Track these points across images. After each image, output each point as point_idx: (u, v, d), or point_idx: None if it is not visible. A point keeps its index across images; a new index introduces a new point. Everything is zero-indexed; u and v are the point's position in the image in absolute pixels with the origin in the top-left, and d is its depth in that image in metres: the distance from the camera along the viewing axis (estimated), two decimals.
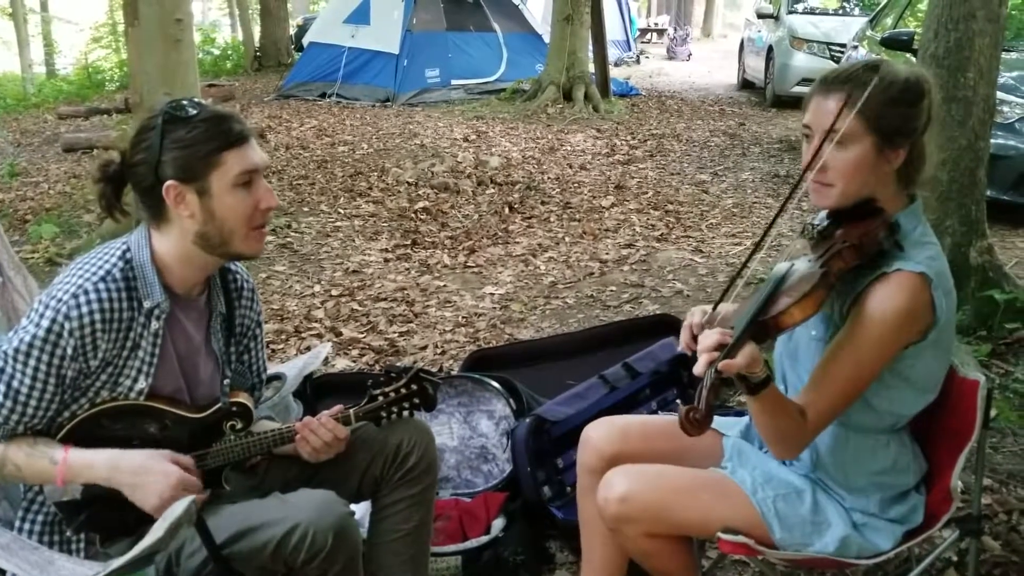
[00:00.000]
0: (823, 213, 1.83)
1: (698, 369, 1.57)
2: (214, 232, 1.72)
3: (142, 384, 1.74)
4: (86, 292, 1.64)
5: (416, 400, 1.94)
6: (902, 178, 1.77)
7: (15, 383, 1.66)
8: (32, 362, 1.64)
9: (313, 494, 1.80)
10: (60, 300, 1.64)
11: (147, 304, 1.70)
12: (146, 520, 1.72)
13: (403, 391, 1.93)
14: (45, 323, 1.63)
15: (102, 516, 1.76)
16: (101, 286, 1.66)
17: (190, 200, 1.70)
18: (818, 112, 1.74)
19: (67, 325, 1.63)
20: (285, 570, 1.73)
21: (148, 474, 1.71)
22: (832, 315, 1.77)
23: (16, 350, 1.64)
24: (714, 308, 1.84)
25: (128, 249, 1.73)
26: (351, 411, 1.91)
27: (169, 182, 1.68)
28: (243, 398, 1.89)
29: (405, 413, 1.94)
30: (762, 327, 1.61)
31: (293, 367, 2.31)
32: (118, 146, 1.79)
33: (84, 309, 1.64)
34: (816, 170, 1.71)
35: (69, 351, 1.64)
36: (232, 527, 1.72)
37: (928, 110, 1.75)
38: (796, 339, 1.87)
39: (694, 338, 1.89)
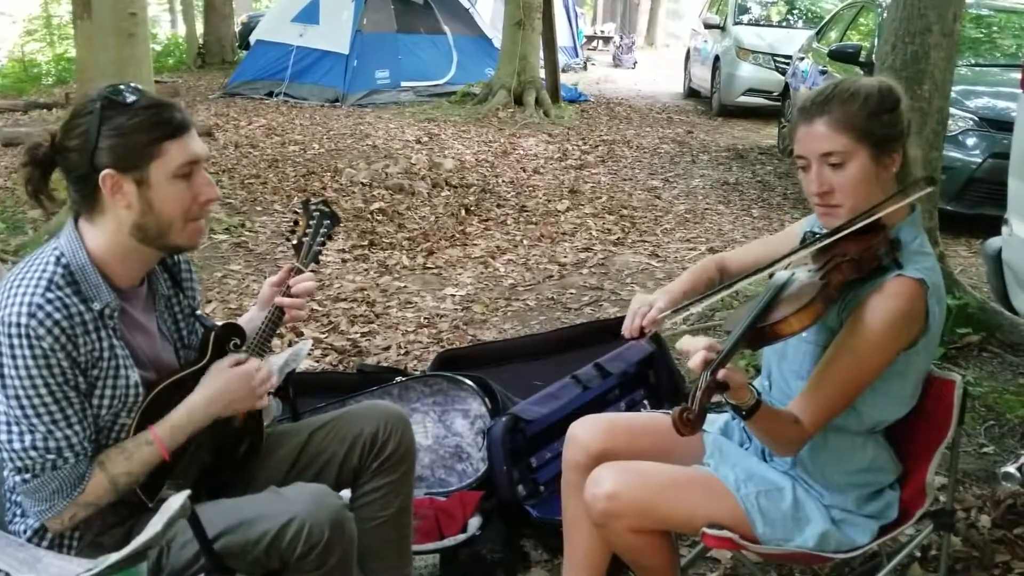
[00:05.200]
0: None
1: (692, 365, 1.60)
2: (152, 224, 1.67)
3: (135, 376, 1.71)
4: (40, 307, 1.58)
5: (327, 221, 2.02)
6: (900, 183, 1.83)
7: (46, 416, 1.60)
8: (43, 390, 1.59)
9: (307, 488, 1.79)
10: (20, 325, 1.56)
11: (96, 306, 1.65)
12: (135, 511, 1.73)
13: (311, 223, 2.00)
14: (24, 351, 1.57)
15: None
16: (50, 295, 1.60)
17: (128, 190, 1.64)
18: (807, 140, 1.78)
19: (45, 342, 1.57)
20: (279, 564, 1.71)
21: (232, 389, 1.79)
22: (827, 321, 1.82)
23: (18, 393, 1.58)
24: (678, 308, 1.92)
25: (62, 254, 1.66)
26: (296, 264, 1.97)
27: (106, 171, 1.62)
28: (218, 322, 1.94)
29: (331, 233, 2.03)
30: (759, 334, 1.65)
31: (273, 364, 2.28)
32: (48, 129, 1.72)
33: (48, 323, 1.57)
34: (821, 194, 1.78)
35: (64, 362, 1.59)
36: (226, 520, 1.70)
37: (906, 113, 1.82)
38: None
39: (641, 328, 1.95)
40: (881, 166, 1.78)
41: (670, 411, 2.19)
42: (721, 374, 1.56)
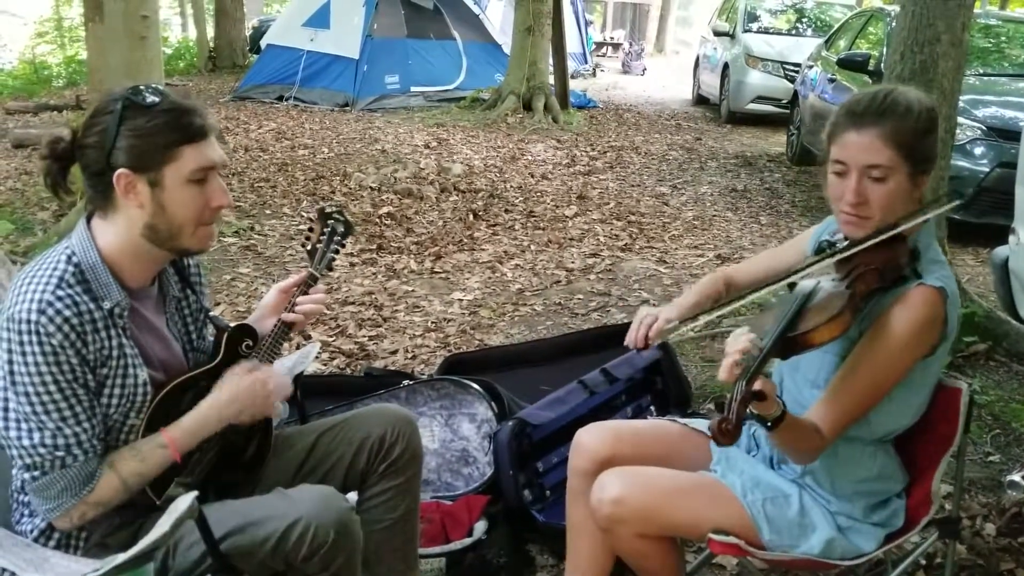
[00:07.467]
0: (838, 232, 1.88)
1: (722, 375, 1.59)
2: (163, 225, 1.69)
3: (143, 375, 1.72)
4: (50, 304, 1.59)
5: (341, 229, 2.05)
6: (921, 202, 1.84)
7: (55, 414, 1.61)
8: (52, 387, 1.60)
9: (313, 489, 1.79)
10: (31, 322, 1.57)
11: (107, 305, 1.67)
12: (142, 512, 1.74)
13: (325, 230, 2.03)
14: (34, 348, 1.58)
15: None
16: (60, 292, 1.61)
17: (141, 190, 1.66)
18: (854, 148, 1.75)
19: (55, 339, 1.58)
20: (284, 566, 1.72)
21: (246, 396, 1.80)
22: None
23: (27, 389, 1.59)
24: (685, 320, 1.93)
25: (73, 253, 1.67)
26: (310, 271, 1.98)
27: (121, 170, 1.64)
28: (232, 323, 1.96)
29: (345, 242, 2.06)
30: (790, 343, 1.64)
31: (281, 367, 2.28)
32: (70, 124, 1.74)
33: (58, 320, 1.58)
34: (855, 204, 1.75)
35: (74, 359, 1.61)
36: (232, 521, 1.71)
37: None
38: None
39: (646, 337, 1.97)
40: (914, 184, 1.77)
41: (676, 418, 2.23)
42: (756, 384, 1.55)
